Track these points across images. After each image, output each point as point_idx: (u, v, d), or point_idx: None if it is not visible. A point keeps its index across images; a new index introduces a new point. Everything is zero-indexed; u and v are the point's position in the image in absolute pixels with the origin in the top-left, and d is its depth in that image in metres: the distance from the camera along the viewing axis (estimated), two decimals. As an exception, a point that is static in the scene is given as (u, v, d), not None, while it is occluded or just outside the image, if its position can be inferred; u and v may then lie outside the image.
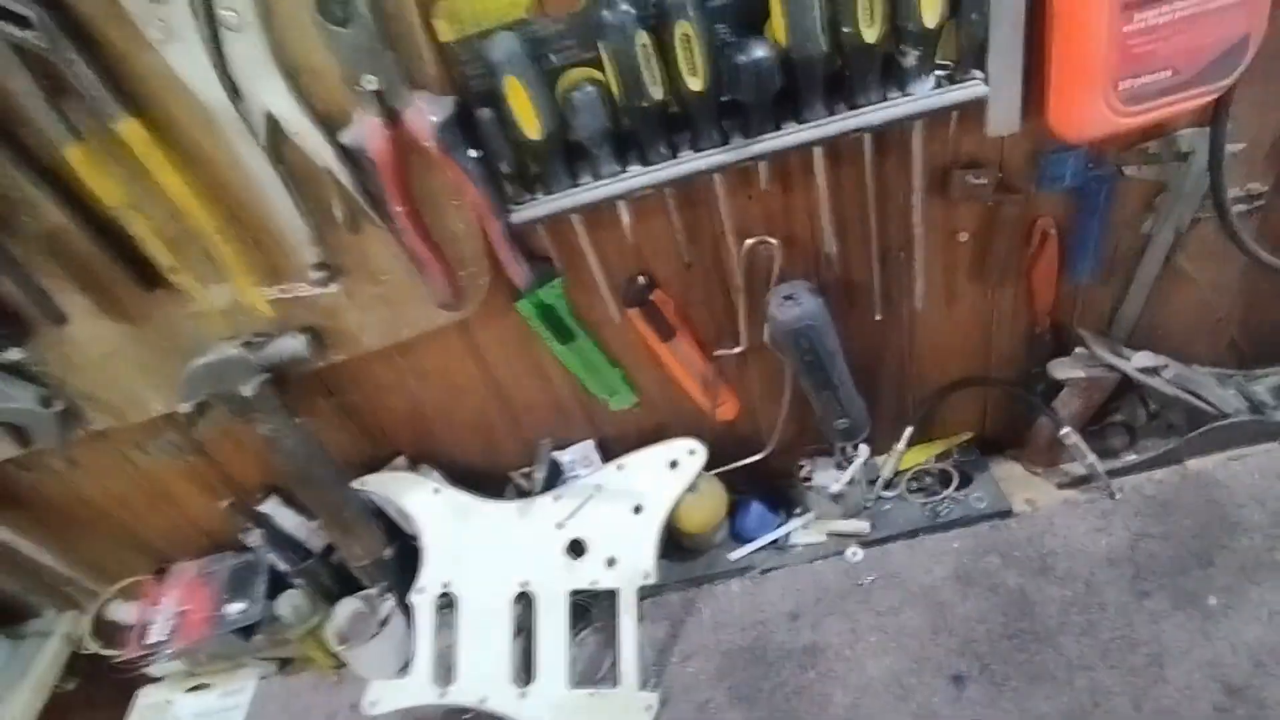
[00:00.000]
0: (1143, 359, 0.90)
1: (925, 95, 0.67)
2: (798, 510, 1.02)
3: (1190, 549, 0.87)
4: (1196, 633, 0.80)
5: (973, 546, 0.94)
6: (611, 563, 0.91)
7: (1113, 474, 0.94)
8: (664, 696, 0.89)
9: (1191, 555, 0.86)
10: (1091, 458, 0.92)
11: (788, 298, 0.79)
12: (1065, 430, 0.92)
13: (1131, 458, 0.96)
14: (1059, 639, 0.83)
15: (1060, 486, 0.97)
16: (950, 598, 0.90)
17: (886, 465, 1.00)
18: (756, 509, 1.00)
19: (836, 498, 0.97)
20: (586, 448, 0.97)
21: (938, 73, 0.67)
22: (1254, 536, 0.86)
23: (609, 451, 0.98)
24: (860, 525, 0.98)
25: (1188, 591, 0.83)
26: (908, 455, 1.01)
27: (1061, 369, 0.91)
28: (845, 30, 0.63)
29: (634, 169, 0.71)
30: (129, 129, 0.63)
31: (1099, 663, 0.80)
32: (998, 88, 0.67)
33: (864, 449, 0.97)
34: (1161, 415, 0.96)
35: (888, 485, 1.01)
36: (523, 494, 0.97)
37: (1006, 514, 0.96)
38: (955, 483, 0.99)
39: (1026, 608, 0.86)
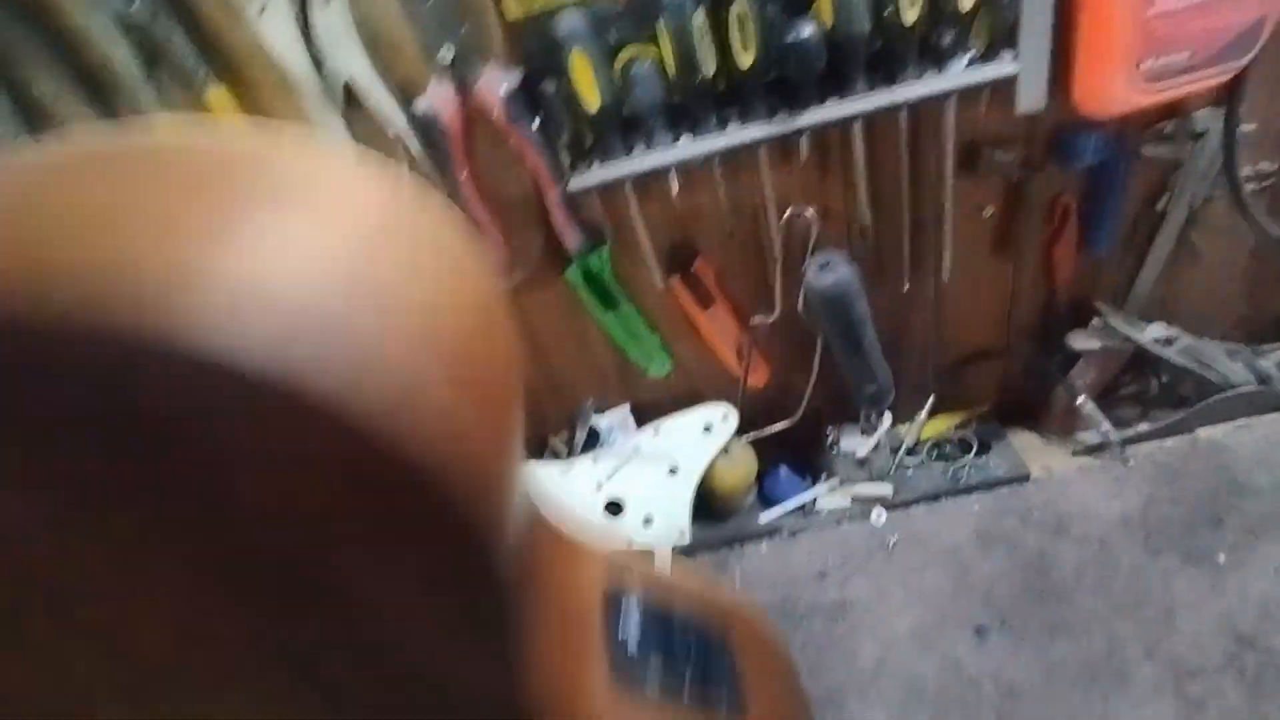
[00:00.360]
0: (1156, 330, 0.94)
1: (959, 73, 0.72)
2: (823, 476, 1.07)
3: (1200, 511, 0.91)
4: (1206, 588, 0.85)
5: (992, 509, 0.98)
6: (648, 522, 0.95)
7: (1125, 442, 0.98)
8: (699, 649, 0.93)
9: (1201, 517, 0.91)
10: (1106, 425, 0.96)
11: (824, 266, 0.83)
12: (1081, 399, 0.96)
13: (1143, 427, 1.00)
14: (1075, 594, 0.88)
15: (1075, 454, 1.02)
16: (971, 557, 0.94)
17: (909, 433, 1.04)
18: (785, 473, 1.05)
19: (862, 462, 1.02)
20: (623, 413, 1.02)
21: (971, 52, 0.72)
22: (1261, 499, 0.90)
23: (643, 417, 1.02)
24: (884, 489, 1.03)
25: (1198, 550, 0.88)
26: (929, 424, 1.05)
27: (1079, 340, 0.95)
28: (886, 12, 0.68)
29: (684, 140, 0.75)
30: (217, 96, 0.68)
31: (1114, 616, 0.85)
32: (1027, 66, 0.72)
33: (888, 416, 1.01)
34: (1172, 386, 1.00)
35: (910, 452, 1.05)
36: (560, 457, 1.02)
37: (1024, 479, 1.00)
38: (975, 449, 1.04)
39: (1044, 566, 0.91)
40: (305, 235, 0.18)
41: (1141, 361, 0.99)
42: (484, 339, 0.23)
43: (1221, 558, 0.87)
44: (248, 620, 0.21)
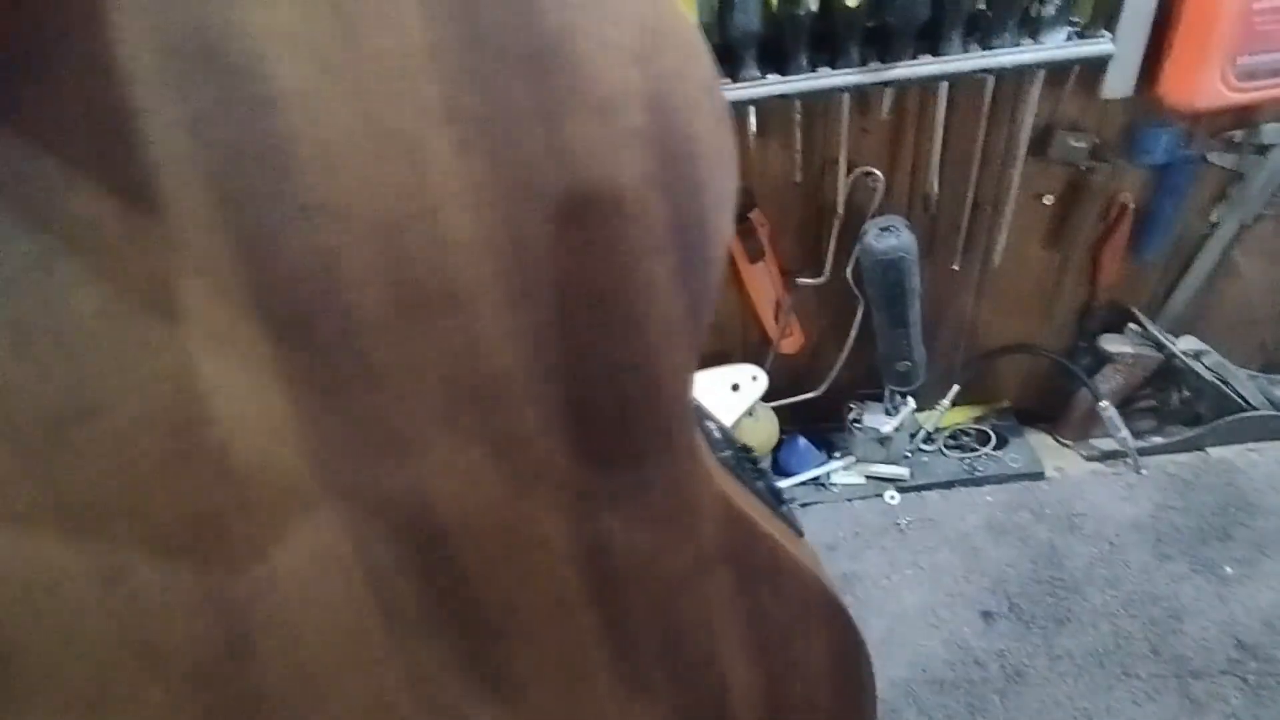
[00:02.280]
0: (1187, 343, 0.96)
1: (1056, 46, 0.72)
2: (838, 454, 1.06)
3: (1209, 523, 0.93)
4: (1213, 595, 0.86)
5: (1005, 501, 0.99)
6: (667, 472, 0.93)
7: (1139, 453, 1.00)
8: (703, 605, 0.91)
9: (1210, 528, 0.92)
10: (1124, 432, 0.97)
11: (885, 229, 0.83)
12: (1104, 403, 0.97)
13: (1157, 440, 1.02)
14: (1085, 588, 0.88)
15: (1089, 459, 1.03)
16: (983, 544, 0.95)
17: (930, 419, 1.04)
18: (803, 444, 1.04)
19: (883, 441, 1.01)
20: (652, 363, 1.00)
21: (1069, 27, 0.72)
22: (1270, 519, 0.92)
23: (670, 371, 1.00)
24: (900, 471, 1.02)
25: (1206, 559, 0.89)
26: (949, 414, 1.05)
27: (1113, 343, 0.96)
28: (999, -30, 0.67)
29: (772, 77, 0.73)
30: None
31: (1121, 611, 0.86)
32: (1123, 48, 0.72)
33: (911, 400, 1.01)
34: (1190, 403, 1.02)
35: (928, 439, 1.05)
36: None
37: (1038, 476, 1.01)
38: (992, 443, 1.04)
39: (1055, 559, 0.92)
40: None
41: (1165, 374, 1.00)
42: (725, 122, 0.29)
43: (1229, 569, 0.88)
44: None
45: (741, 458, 0.45)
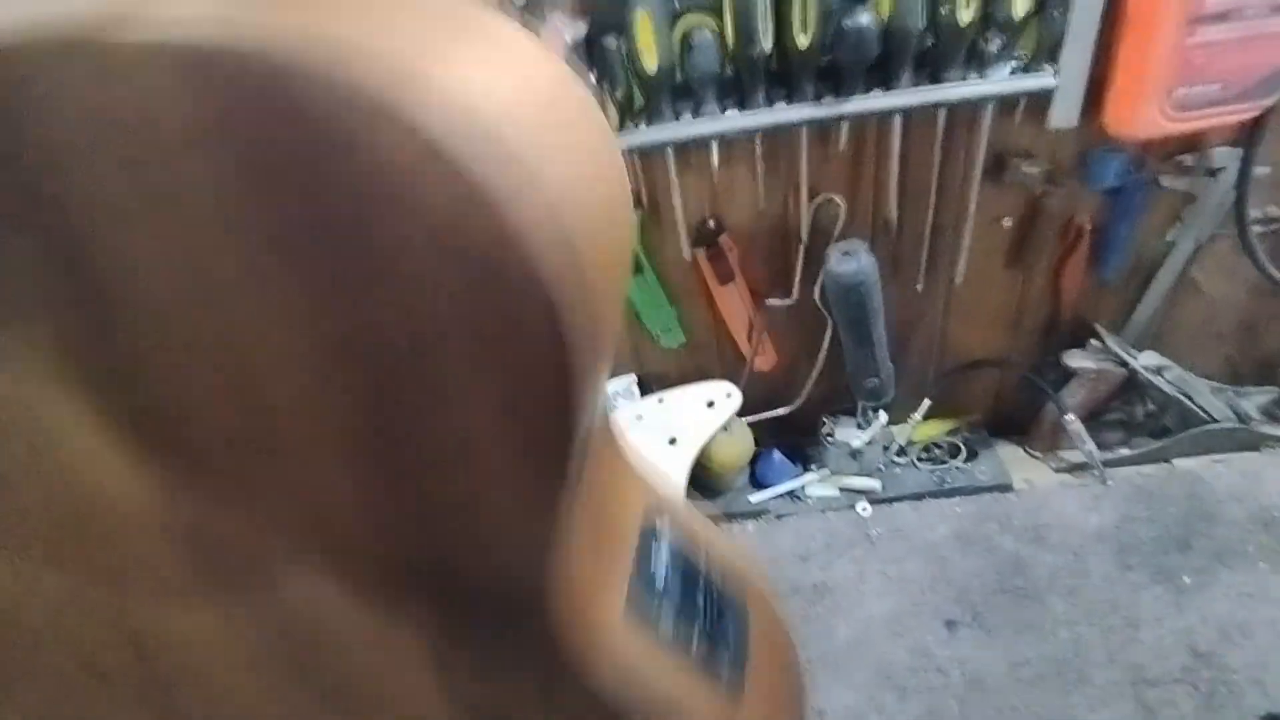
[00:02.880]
0: (1149, 358, 0.98)
1: (1002, 80, 0.75)
2: (813, 466, 1.10)
3: (1171, 533, 0.95)
4: (1171, 604, 0.89)
5: (974, 512, 1.02)
6: (644, 486, 0.97)
7: (1106, 464, 1.02)
8: (679, 614, 0.95)
9: (1172, 539, 0.95)
10: (1090, 445, 1.00)
11: (846, 253, 0.86)
12: (1069, 417, 1.00)
13: (1124, 452, 1.04)
14: (1047, 597, 0.91)
15: (1057, 470, 1.06)
16: (950, 554, 0.98)
17: (901, 433, 1.08)
18: (778, 458, 1.07)
19: (855, 454, 1.05)
20: (629, 381, 1.04)
21: (1014, 62, 0.75)
22: (1230, 529, 0.95)
23: (646, 388, 1.04)
24: (872, 483, 1.06)
25: (1166, 569, 0.92)
26: (921, 427, 1.09)
27: (1075, 359, 0.99)
28: (943, 10, 0.71)
29: (731, 113, 0.77)
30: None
31: (1081, 620, 0.88)
32: (1065, 81, 0.75)
33: (884, 414, 1.04)
34: (1156, 416, 1.05)
35: (900, 452, 1.08)
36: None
37: (1006, 488, 1.04)
38: (962, 455, 1.07)
39: (1020, 568, 0.94)
40: (506, 71, 0.22)
41: (1130, 388, 1.03)
42: (618, 210, 0.25)
43: (1187, 578, 0.91)
44: (348, 393, 0.23)
45: (709, 596, 0.41)
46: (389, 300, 0.21)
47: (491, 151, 0.19)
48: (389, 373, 0.22)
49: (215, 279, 0.21)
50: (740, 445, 1.03)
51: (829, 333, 0.98)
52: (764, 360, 1.02)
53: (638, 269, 0.91)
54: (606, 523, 0.36)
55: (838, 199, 0.86)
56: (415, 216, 0.19)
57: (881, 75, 0.76)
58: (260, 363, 0.22)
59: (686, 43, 0.73)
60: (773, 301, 0.95)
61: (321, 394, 0.23)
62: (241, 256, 0.20)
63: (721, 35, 0.73)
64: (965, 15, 0.70)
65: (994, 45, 0.73)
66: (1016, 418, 1.10)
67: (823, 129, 0.80)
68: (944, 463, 1.07)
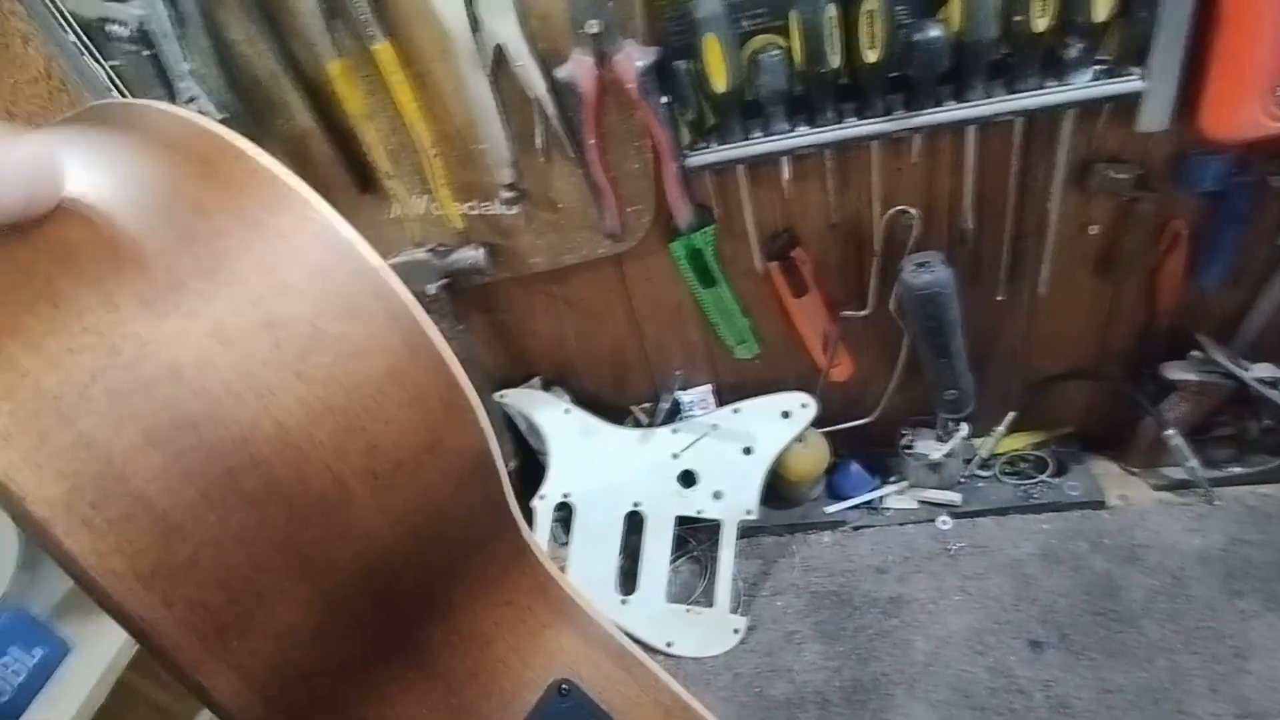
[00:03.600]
0: (1263, 370, 0.92)
1: (1083, 86, 0.73)
2: (891, 478, 1.08)
3: (1287, 558, 0.89)
4: (1284, 634, 0.83)
5: (1062, 530, 0.98)
6: (718, 496, 0.99)
7: (1214, 483, 0.96)
8: (752, 623, 0.96)
9: (1287, 564, 0.88)
10: (1193, 462, 0.95)
11: (921, 264, 0.85)
12: (1170, 432, 0.95)
13: (1236, 470, 0.98)
14: (1142, 622, 0.87)
15: (1156, 488, 1.00)
16: (1035, 572, 0.94)
17: (984, 445, 1.05)
18: (855, 469, 1.06)
19: (934, 467, 1.03)
20: (705, 391, 1.06)
21: (1097, 66, 0.73)
22: (1355, 554, 0.87)
23: (721, 398, 1.06)
24: (952, 496, 1.03)
25: (1280, 596, 0.86)
26: (1005, 440, 1.05)
27: (1175, 371, 0.94)
28: (1017, 19, 0.69)
29: (801, 129, 0.78)
30: (382, 50, 0.75)
31: (1181, 648, 0.84)
32: (1155, 84, 0.72)
33: (965, 426, 1.02)
34: (1273, 431, 0.97)
35: (983, 465, 1.06)
36: (641, 426, 1.07)
37: (1099, 505, 0.99)
38: (1050, 469, 1.03)
39: (1111, 590, 0.90)
40: None
41: (1241, 402, 0.96)
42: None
43: (1304, 607, 0.85)
44: None
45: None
46: None
47: None
48: None
49: None
50: (816, 456, 1.03)
51: (906, 344, 0.96)
52: (840, 371, 1.02)
53: (711, 282, 0.94)
54: (477, 685, 0.35)
55: (912, 210, 0.85)
56: None
57: (953, 86, 0.75)
58: None
59: (755, 63, 0.75)
60: (848, 313, 0.95)
61: None
62: None
63: (790, 54, 0.74)
64: (1041, 23, 0.69)
65: (1073, 50, 0.71)
66: (1109, 432, 1.05)
67: (894, 141, 0.80)
68: (1030, 477, 1.04)
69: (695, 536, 1.06)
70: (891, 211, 0.86)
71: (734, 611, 0.96)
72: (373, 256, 0.27)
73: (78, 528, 0.21)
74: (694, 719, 0.40)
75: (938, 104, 0.76)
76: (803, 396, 1.01)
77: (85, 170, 0.25)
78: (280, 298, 0.25)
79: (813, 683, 0.90)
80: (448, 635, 0.36)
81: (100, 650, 1.15)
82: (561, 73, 0.74)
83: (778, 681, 0.91)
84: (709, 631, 0.95)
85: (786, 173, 0.82)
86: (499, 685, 0.37)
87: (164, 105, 0.28)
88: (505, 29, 0.73)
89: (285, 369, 0.25)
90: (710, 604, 0.97)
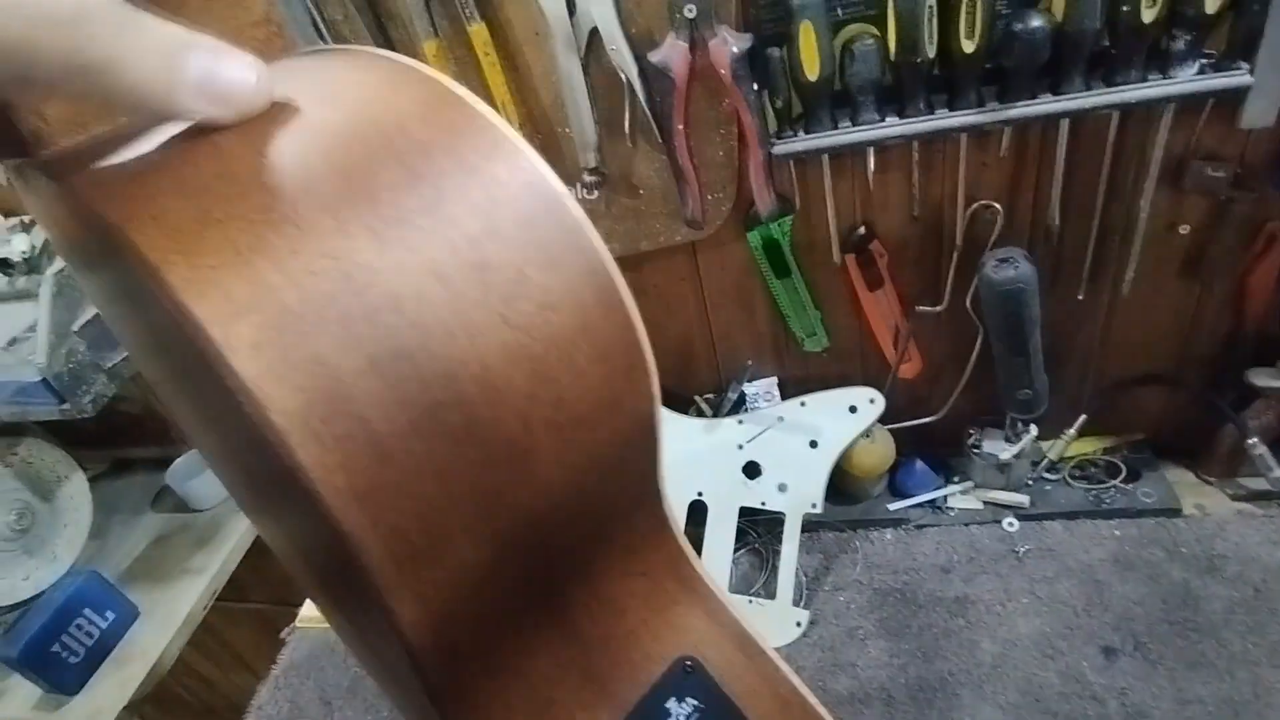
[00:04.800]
0: (1353, 380, 0.89)
1: (1186, 80, 0.71)
2: (955, 478, 1.07)
3: (1375, 574, 0.86)
4: (1373, 651, 0.80)
5: (1135, 536, 0.96)
6: (782, 488, 0.99)
7: (1297, 495, 0.94)
8: (814, 617, 0.96)
9: (1376, 580, 0.86)
10: (1278, 472, 0.92)
11: (1004, 260, 0.84)
12: (1253, 441, 0.92)
13: (1319, 482, 0.95)
14: (1222, 633, 0.85)
15: (1235, 498, 0.98)
16: (1108, 578, 0.93)
17: (1053, 448, 1.03)
18: (920, 467, 1.05)
19: (1002, 468, 1.01)
20: (770, 384, 1.05)
21: (1203, 60, 0.71)
22: None
23: (787, 391, 1.06)
24: (1020, 498, 1.02)
25: (1368, 613, 0.83)
26: (1075, 443, 1.03)
27: (1262, 377, 0.91)
28: (1124, 9, 0.68)
29: (890, 120, 0.78)
30: (477, 31, 0.76)
31: (1264, 661, 0.82)
32: (1262, 80, 0.70)
33: (1034, 427, 1.00)
34: (1359, 444, 0.95)
35: (1052, 467, 1.04)
36: (705, 416, 1.07)
37: (1174, 513, 0.97)
38: (1122, 475, 1.01)
39: (1189, 600, 0.88)
40: None
41: (1328, 412, 0.94)
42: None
43: (1396, 625, 0.82)
44: None
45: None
46: None
47: None
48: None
49: None
50: (882, 452, 1.02)
51: (979, 341, 0.95)
52: (909, 368, 1.01)
53: (785, 272, 0.93)
54: (602, 654, 0.35)
55: (996, 205, 0.84)
56: None
57: (1051, 78, 0.74)
58: None
59: (848, 51, 0.74)
60: (922, 308, 0.94)
61: None
62: None
63: (884, 43, 0.74)
64: (1149, 14, 0.68)
65: (1179, 44, 0.70)
66: (1186, 439, 1.02)
67: (983, 134, 0.79)
68: (1101, 482, 1.02)
69: (755, 529, 1.06)
70: (975, 206, 0.85)
71: (796, 604, 0.96)
72: (578, 211, 0.27)
73: (310, 441, 0.22)
74: (811, 715, 0.40)
75: (1033, 96, 0.75)
76: (871, 392, 1.00)
77: (319, 104, 0.26)
78: (492, 242, 0.25)
79: (877, 679, 0.89)
80: (588, 599, 0.36)
81: (167, 616, 1.19)
82: (655, 56, 0.75)
83: (841, 676, 0.90)
84: (770, 624, 0.95)
85: (871, 164, 0.81)
86: (627, 655, 0.38)
87: (384, 51, 0.28)
88: (601, 11, 0.74)
89: (493, 311, 0.25)
90: (772, 596, 0.96)
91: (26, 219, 1.09)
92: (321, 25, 0.75)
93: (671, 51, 0.74)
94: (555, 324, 0.27)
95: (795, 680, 0.40)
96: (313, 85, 0.28)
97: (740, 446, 1.01)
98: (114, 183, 0.24)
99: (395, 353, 0.24)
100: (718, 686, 0.39)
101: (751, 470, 1.00)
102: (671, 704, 0.37)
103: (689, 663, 0.39)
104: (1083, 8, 0.68)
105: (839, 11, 0.74)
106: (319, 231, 0.23)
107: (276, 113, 0.26)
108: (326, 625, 1.11)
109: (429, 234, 0.24)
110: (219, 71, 0.23)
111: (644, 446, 0.33)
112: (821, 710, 0.39)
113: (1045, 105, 0.74)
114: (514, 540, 0.29)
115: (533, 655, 0.35)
